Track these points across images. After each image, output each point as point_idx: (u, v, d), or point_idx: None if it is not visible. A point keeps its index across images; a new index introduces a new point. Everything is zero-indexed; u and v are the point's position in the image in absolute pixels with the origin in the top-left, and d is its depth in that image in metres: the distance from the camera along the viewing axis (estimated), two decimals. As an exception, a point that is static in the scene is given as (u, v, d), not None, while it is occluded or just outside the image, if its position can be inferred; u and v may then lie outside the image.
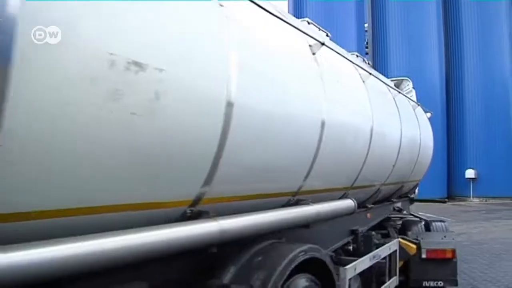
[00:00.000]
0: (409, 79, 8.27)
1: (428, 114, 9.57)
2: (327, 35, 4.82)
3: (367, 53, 27.53)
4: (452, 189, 25.98)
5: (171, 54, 2.00)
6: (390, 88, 6.67)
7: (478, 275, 8.08)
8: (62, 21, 1.50)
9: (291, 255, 2.91)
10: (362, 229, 5.27)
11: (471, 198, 25.34)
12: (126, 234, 1.89)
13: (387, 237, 6.35)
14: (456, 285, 6.65)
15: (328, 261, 3.48)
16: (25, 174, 1.54)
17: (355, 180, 4.71)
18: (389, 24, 26.39)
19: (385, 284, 5.31)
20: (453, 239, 6.99)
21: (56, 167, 1.62)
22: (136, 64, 1.74)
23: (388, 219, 7.17)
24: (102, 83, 1.65)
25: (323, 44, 3.79)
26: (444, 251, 6.54)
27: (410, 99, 8.16)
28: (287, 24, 3.41)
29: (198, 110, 2.18)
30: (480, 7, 26.06)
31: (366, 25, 28.18)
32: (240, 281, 2.65)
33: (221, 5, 2.50)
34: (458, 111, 26.71)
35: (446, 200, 23.30)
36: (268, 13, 3.05)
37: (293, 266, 2.86)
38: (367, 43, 28.14)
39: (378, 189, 5.92)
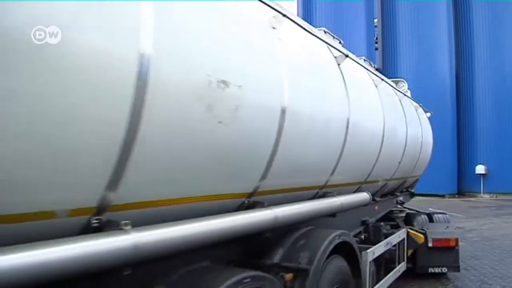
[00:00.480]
0: (404, 80, 8.58)
1: (428, 114, 10.31)
2: (340, 42, 5.28)
3: (376, 49, 27.62)
4: (462, 185, 25.90)
5: (244, 73, 2.49)
6: (396, 91, 7.27)
7: (488, 271, 7.97)
8: (184, 55, 2.03)
9: (329, 238, 3.45)
10: (371, 220, 5.79)
11: (482, 194, 25.22)
12: (199, 221, 2.26)
13: (395, 227, 6.87)
14: (459, 270, 7.32)
15: (355, 245, 4.04)
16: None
17: (368, 176, 5.25)
18: (399, 21, 26.32)
19: (395, 269, 5.90)
20: (455, 229, 7.73)
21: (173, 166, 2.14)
22: (223, 82, 2.23)
23: (391, 211, 7.71)
24: (205, 99, 2.15)
25: (347, 56, 4.37)
26: (448, 240, 7.19)
27: (413, 100, 8.82)
28: (317, 39, 3.96)
29: (262, 117, 2.67)
30: (491, 4, 25.98)
31: (375, 20, 28.16)
32: (289, 260, 3.14)
33: (274, 28, 3.02)
34: (468, 107, 26.63)
35: (444, 194, 23.75)
36: (304, 31, 3.59)
37: (331, 247, 3.40)
38: (376, 38, 28.19)
39: (385, 183, 6.49)
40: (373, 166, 5.27)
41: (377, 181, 5.98)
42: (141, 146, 1.84)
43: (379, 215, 6.53)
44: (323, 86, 3.76)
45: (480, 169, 25.29)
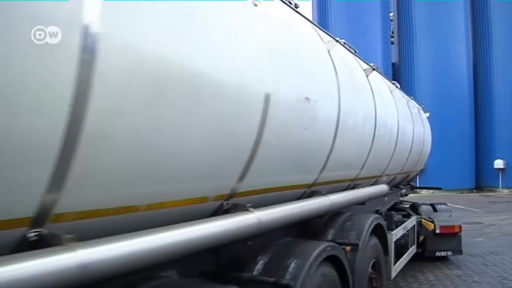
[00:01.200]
0: (396, 82, 9.56)
1: (427, 114, 11.59)
2: (355, 52, 6.10)
3: (392, 43, 27.99)
4: (481, 179, 25.85)
5: (315, 91, 3.34)
6: (404, 94, 8.55)
7: (508, 266, 8.08)
8: (292, 84, 3.00)
9: (369, 221, 4.39)
10: (383, 209, 6.72)
11: (500, 188, 25.10)
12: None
13: (405, 216, 7.94)
14: (461, 254, 8.40)
15: (385, 227, 5.04)
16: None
17: (384, 170, 6.35)
18: (415, 15, 26.11)
19: (408, 251, 6.92)
20: (456, 217, 9.04)
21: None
22: (307, 99, 3.11)
23: (396, 203, 8.76)
24: (299, 112, 3.01)
25: (374, 69, 5.59)
26: (453, 227, 8.33)
27: (416, 102, 10.32)
28: (355, 56, 5.00)
29: (325, 123, 3.60)
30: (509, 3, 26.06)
31: (391, 14, 28.31)
32: (340, 237, 3.98)
33: (329, 52, 3.94)
34: (487, 101, 26.52)
35: (462, 189, 24.20)
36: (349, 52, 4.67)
37: (372, 227, 4.33)
38: (392, 32, 28.51)
39: (395, 177, 7.67)
40: (389, 162, 6.39)
41: (390, 175, 7.09)
42: (265, 145, 2.59)
43: (388, 206, 7.53)
44: (361, 95, 4.80)
45: (498, 163, 25.20)
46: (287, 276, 2.80)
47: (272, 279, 2.75)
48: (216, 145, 2.28)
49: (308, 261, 2.94)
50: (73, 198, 1.60)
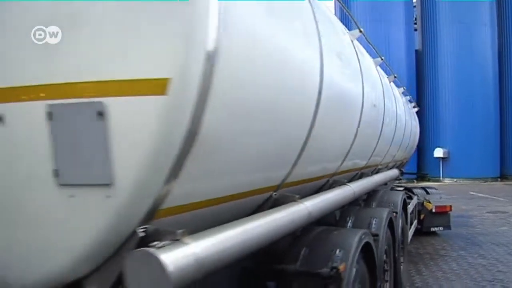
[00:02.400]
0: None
1: (416, 109, 13.99)
2: (381, 58, 6.83)
3: (415, 29, 27.65)
4: (505, 168, 25.45)
5: (379, 98, 4.03)
6: (400, 92, 10.05)
7: None
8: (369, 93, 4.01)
9: (400, 198, 5.89)
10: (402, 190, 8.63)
11: None
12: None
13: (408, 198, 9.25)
14: (450, 228, 9.97)
15: (394, 220, 5.65)
16: None
17: (394, 156, 8.03)
18: (438, 1, 25.55)
19: (413, 225, 8.48)
20: (446, 198, 10.78)
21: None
22: (375, 105, 3.96)
23: (392, 187, 10.09)
24: (368, 120, 3.79)
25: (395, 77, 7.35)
26: (445, 206, 9.86)
27: (410, 98, 12.37)
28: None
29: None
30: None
31: (414, 0, 27.92)
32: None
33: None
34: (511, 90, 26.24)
35: (486, 178, 23.81)
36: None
37: (402, 202, 5.63)
38: (415, 19, 28.19)
39: (395, 164, 9.40)
40: (398, 150, 8.13)
41: (399, 160, 9.13)
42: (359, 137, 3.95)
43: (389, 188, 8.69)
44: (391, 100, 6.17)
45: (524, 151, 24.70)
46: (334, 265, 2.78)
47: (321, 270, 2.73)
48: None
49: (352, 249, 2.96)
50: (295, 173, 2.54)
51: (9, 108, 1.81)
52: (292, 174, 2.77)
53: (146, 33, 1.68)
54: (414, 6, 28.11)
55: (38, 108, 1.74)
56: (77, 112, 1.72)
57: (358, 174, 5.22)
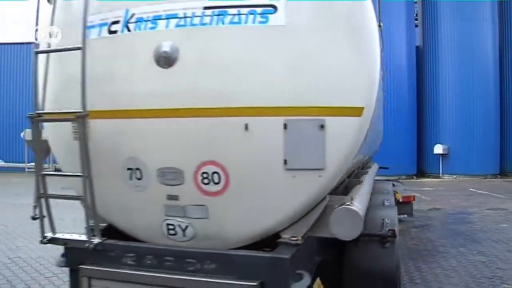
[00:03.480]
0: None
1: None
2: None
3: (416, 26, 27.50)
4: (505, 164, 25.27)
5: None
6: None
7: None
8: None
9: (390, 186, 8.03)
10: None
11: None
12: None
13: None
14: (412, 216, 11.41)
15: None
16: None
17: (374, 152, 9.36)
18: None
19: None
20: (407, 190, 12.20)
21: None
22: None
23: None
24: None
25: None
26: (410, 196, 11.19)
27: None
28: None
29: None
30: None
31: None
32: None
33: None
34: None
35: (486, 175, 23.61)
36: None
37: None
38: (416, 15, 28.06)
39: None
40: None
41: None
42: None
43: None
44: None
45: (523, 147, 24.61)
46: (391, 228, 3.75)
47: (380, 232, 3.68)
48: None
49: (395, 219, 4.11)
50: None
51: (251, 120, 2.92)
52: None
53: (354, 75, 2.92)
54: (415, 2, 27.99)
55: (277, 121, 2.90)
56: (305, 125, 2.88)
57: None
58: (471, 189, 18.42)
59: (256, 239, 3.16)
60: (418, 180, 22.58)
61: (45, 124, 3.41)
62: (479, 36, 24.86)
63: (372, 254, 3.54)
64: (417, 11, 28.04)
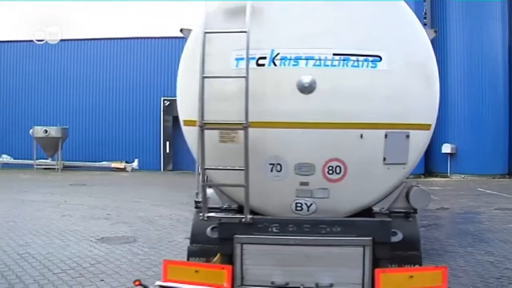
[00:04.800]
0: None
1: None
2: None
3: (425, 24, 27.27)
4: None
5: None
6: None
7: None
8: None
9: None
10: None
11: None
12: None
13: None
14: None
15: None
16: None
17: None
18: None
19: None
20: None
21: None
22: None
23: None
24: None
25: None
26: None
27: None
28: None
29: None
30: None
31: (424, -6, 27.52)
32: None
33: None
34: None
35: (495, 174, 23.50)
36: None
37: None
38: (425, 14, 27.85)
39: None
40: None
41: None
42: None
43: None
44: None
45: (533, 147, 24.33)
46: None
47: (404, 209, 4.69)
48: None
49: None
50: None
51: (364, 131, 4.21)
52: None
53: (426, 104, 4.55)
54: (424, 1, 27.75)
55: (381, 132, 4.25)
56: (398, 135, 4.31)
57: None
58: (480, 189, 18.31)
59: (357, 211, 4.52)
60: (426, 180, 22.42)
61: (185, 128, 4.69)
62: (488, 35, 24.62)
63: (399, 224, 4.57)
64: (425, 10, 27.83)
